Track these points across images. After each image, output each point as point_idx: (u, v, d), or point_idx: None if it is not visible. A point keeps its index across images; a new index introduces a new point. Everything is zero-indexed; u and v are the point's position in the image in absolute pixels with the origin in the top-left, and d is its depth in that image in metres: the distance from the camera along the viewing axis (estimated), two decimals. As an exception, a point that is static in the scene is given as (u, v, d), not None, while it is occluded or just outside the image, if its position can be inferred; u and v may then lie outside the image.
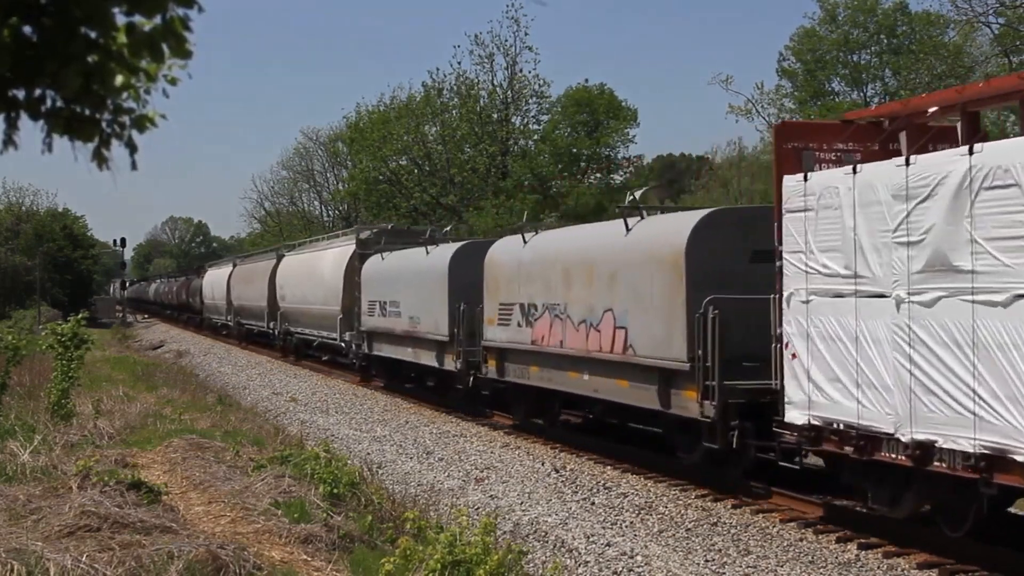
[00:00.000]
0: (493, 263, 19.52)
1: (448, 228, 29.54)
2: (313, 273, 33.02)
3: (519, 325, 17.95)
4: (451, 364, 21.14)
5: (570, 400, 17.69)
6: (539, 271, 17.49)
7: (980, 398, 8.86)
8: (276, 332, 38.44)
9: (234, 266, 50.29)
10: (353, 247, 29.25)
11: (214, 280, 54.83)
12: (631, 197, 15.98)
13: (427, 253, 23.10)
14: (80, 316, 17.93)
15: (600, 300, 15.28)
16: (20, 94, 2.60)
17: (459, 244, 22.62)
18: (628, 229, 15.02)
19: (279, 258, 39.37)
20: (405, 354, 24.18)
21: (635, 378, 14.43)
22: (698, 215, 13.94)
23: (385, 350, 25.71)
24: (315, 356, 34.79)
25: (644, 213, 15.45)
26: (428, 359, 22.53)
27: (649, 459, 15.14)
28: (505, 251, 19.42)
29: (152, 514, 8.94)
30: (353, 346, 28.64)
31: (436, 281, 21.73)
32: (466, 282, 20.39)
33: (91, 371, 24.59)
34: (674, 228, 14.11)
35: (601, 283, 15.30)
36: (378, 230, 30.26)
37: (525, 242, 18.46)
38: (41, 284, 66.59)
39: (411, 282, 23.35)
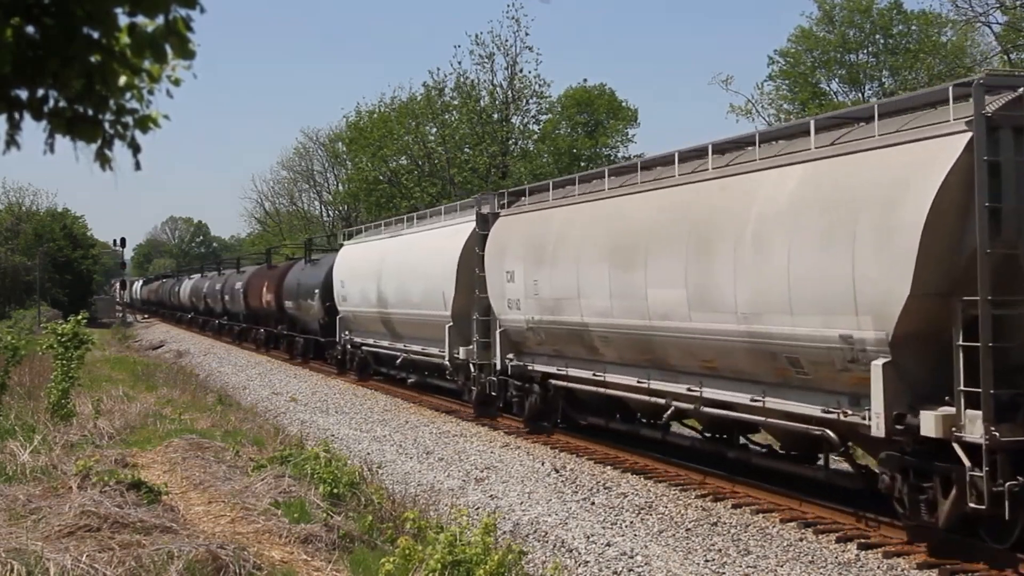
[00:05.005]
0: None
1: None
2: None
3: None
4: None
5: None
6: None
7: None
8: None
9: (487, 218, 19.60)
10: None
11: (383, 268, 25.38)
12: None
13: None
14: (80, 316, 17.95)
15: None
16: (22, 94, 2.61)
17: None
18: None
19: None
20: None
21: None
22: None
23: None
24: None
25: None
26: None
27: (649, 459, 15.13)
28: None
29: (152, 514, 8.95)
30: None
31: None
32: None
33: (91, 371, 24.60)
34: None
35: None
36: None
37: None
38: (41, 284, 66.60)
39: None
